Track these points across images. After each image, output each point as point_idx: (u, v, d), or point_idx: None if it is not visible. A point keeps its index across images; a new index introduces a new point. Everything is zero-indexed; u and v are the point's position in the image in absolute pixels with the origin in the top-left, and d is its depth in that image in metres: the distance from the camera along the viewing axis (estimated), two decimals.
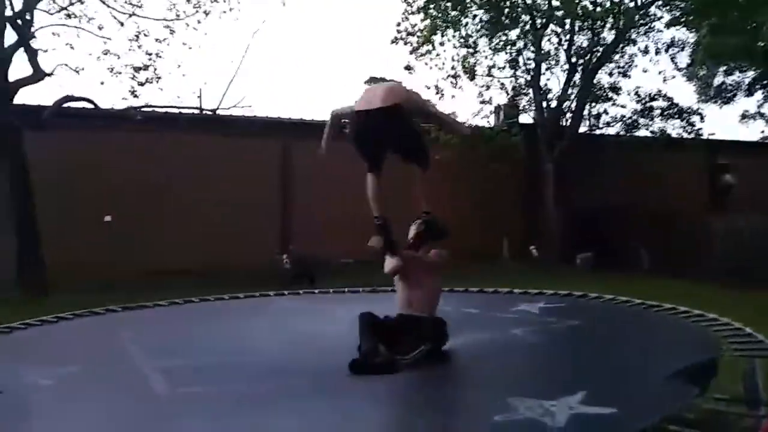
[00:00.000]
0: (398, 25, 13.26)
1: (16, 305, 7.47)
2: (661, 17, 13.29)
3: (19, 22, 9.17)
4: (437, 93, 13.82)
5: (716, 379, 2.94)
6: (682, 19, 13.08)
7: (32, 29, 9.49)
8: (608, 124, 14.22)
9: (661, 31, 13.56)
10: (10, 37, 9.25)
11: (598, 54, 13.35)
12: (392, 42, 13.40)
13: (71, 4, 10.00)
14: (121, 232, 10.75)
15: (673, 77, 14.23)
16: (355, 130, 3.93)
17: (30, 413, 2.82)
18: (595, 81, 13.63)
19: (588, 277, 9.82)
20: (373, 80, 4.33)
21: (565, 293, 5.37)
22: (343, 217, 11.63)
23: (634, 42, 13.63)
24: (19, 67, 9.47)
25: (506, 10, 12.97)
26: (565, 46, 13.40)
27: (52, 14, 9.86)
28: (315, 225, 11.62)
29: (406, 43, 13.34)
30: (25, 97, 9.80)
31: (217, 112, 10.93)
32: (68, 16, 10.00)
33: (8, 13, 9.12)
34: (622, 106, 14.12)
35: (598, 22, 12.82)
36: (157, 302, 5.59)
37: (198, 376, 3.25)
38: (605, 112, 14.12)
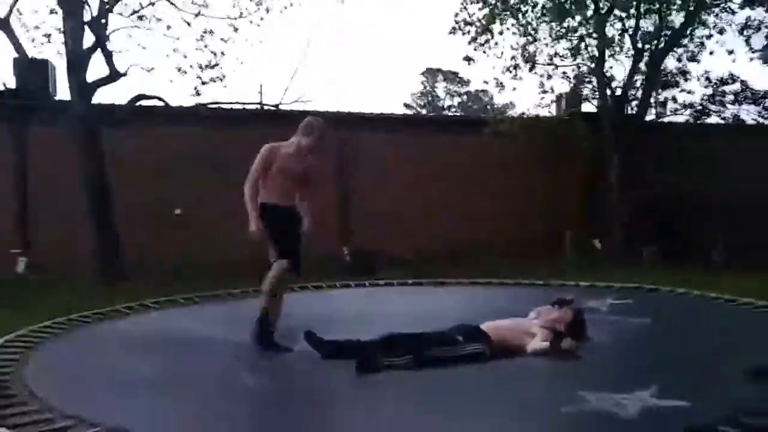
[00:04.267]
0: (456, 15, 13.16)
1: (98, 293, 7.93)
2: None
3: (96, 25, 9.64)
4: (497, 86, 13.67)
5: None
6: None
7: (107, 32, 9.96)
8: (676, 111, 13.67)
9: (734, 12, 12.88)
10: (88, 40, 9.76)
11: (666, 38, 12.84)
12: (450, 32, 13.32)
13: (142, 7, 10.45)
14: (190, 224, 11.20)
15: (751, 60, 13.45)
16: None
17: (135, 396, 3.01)
18: (662, 67, 13.12)
19: (655, 271, 9.52)
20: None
21: (634, 286, 5.27)
22: (403, 210, 11.72)
23: (705, 24, 13.02)
24: (95, 67, 9.97)
25: None
26: (630, 32, 12.96)
27: (125, 17, 10.33)
28: (375, 218, 11.74)
29: (464, 33, 13.22)
30: (101, 96, 10.34)
31: (279, 107, 11.18)
32: (140, 18, 10.45)
33: (86, 17, 9.61)
34: (689, 92, 13.53)
35: (666, 5, 12.30)
36: (230, 291, 5.85)
37: (274, 369, 3.41)
38: (673, 99, 13.57)
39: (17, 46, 9.62)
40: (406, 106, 31.92)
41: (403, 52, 44.92)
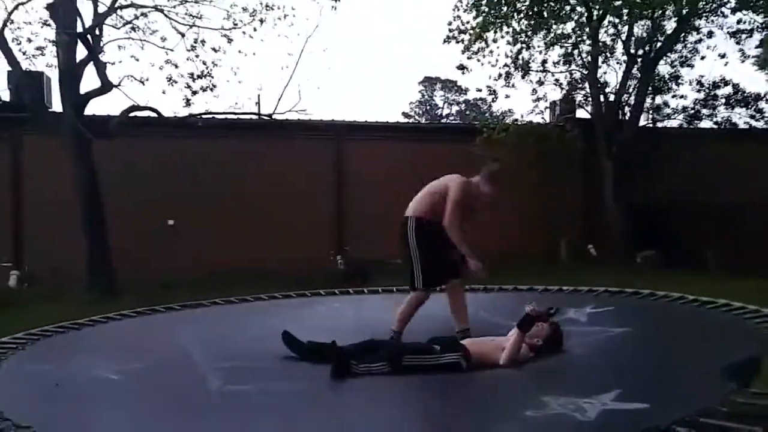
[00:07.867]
0: (449, 23, 13.21)
1: (87, 306, 7.95)
2: (728, 2, 12.64)
3: (89, 37, 9.72)
4: (490, 94, 13.72)
5: (759, 375, 2.84)
6: (752, 3, 12.42)
7: (101, 44, 10.04)
8: (669, 117, 13.69)
9: (726, 15, 12.90)
10: (81, 52, 9.84)
11: (659, 44, 12.87)
12: (445, 41, 13.36)
13: (136, 17, 10.54)
14: (184, 235, 11.25)
15: (743, 62, 13.43)
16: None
17: (97, 404, 3.03)
18: (654, 72, 13.14)
19: (649, 277, 9.49)
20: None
21: (616, 290, 5.27)
22: (396, 217, 11.73)
23: (698, 29, 13.05)
24: (88, 79, 10.05)
25: (553, 4, 12.67)
26: (623, 38, 12.99)
27: (118, 28, 10.42)
28: (368, 225, 11.77)
29: (458, 42, 13.25)
30: (94, 108, 10.40)
31: (273, 116, 11.23)
32: (133, 29, 10.55)
33: (79, 29, 9.68)
34: (682, 97, 13.55)
35: (658, 11, 12.32)
36: (215, 300, 5.85)
37: (247, 375, 3.42)
38: (665, 104, 13.60)
39: (11, 59, 9.70)
40: (405, 115, 32.05)
41: (403, 61, 45.19)
